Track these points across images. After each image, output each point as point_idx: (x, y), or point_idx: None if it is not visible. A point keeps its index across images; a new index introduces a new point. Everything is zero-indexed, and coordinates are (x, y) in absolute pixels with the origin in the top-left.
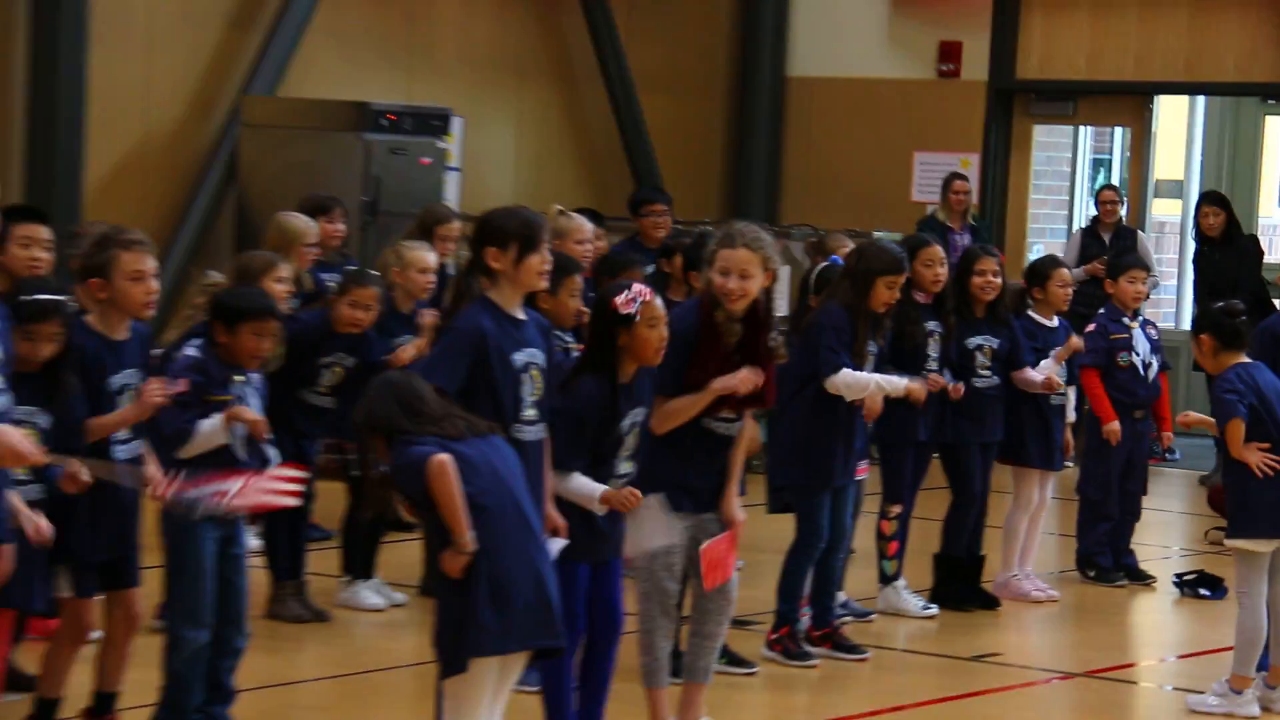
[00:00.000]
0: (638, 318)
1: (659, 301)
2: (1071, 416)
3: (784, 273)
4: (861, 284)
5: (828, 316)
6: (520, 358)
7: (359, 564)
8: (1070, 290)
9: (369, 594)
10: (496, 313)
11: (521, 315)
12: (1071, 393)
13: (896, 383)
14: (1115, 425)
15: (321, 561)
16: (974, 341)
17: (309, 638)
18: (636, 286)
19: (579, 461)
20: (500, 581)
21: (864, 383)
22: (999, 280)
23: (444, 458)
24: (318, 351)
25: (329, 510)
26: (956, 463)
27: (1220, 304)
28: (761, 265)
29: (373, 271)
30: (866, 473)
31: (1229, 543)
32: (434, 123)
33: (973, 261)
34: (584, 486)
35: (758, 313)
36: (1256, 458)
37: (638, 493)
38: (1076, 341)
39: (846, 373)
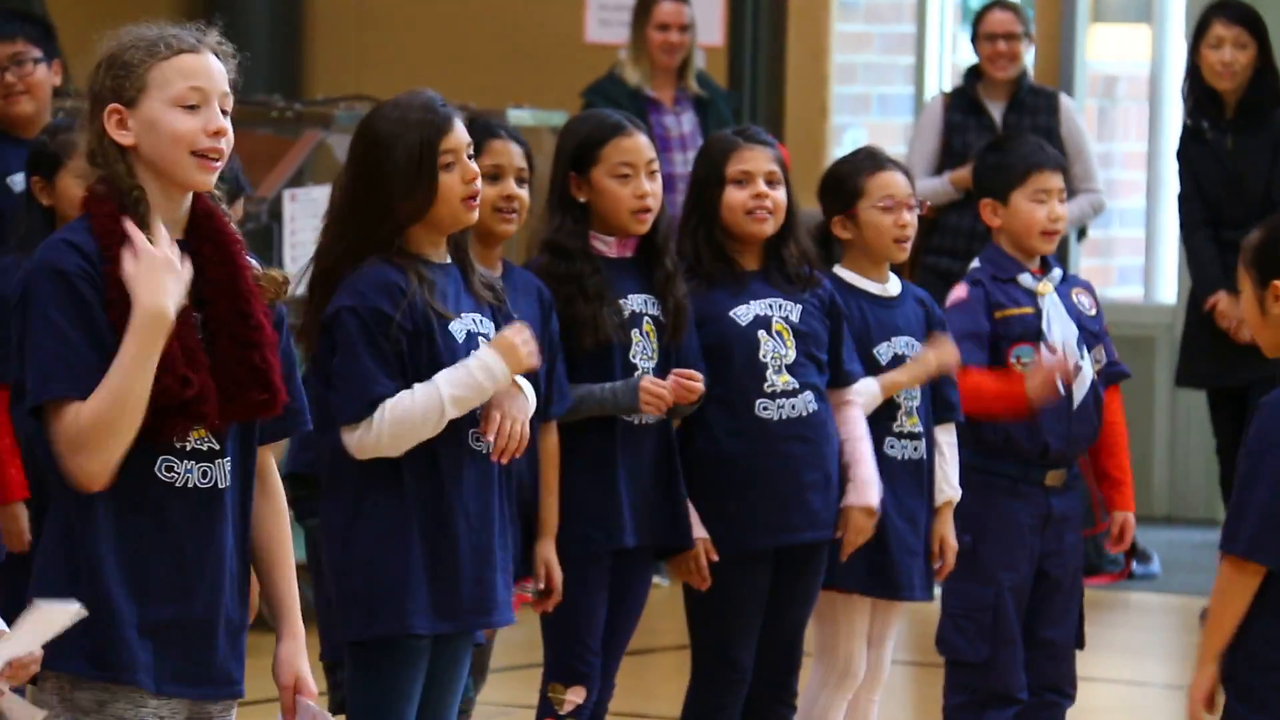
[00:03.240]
0: None
1: None
2: (950, 491)
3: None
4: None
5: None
6: None
7: None
8: (911, 219)
9: None
10: None
11: None
12: (945, 442)
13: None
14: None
15: None
16: (746, 312)
17: None
18: None
19: None
20: None
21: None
22: (782, 196)
23: None
24: None
25: None
26: (702, 594)
27: None
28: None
29: None
30: (527, 601)
31: None
32: None
33: (723, 160)
34: None
35: (214, 220)
36: None
37: None
38: (943, 352)
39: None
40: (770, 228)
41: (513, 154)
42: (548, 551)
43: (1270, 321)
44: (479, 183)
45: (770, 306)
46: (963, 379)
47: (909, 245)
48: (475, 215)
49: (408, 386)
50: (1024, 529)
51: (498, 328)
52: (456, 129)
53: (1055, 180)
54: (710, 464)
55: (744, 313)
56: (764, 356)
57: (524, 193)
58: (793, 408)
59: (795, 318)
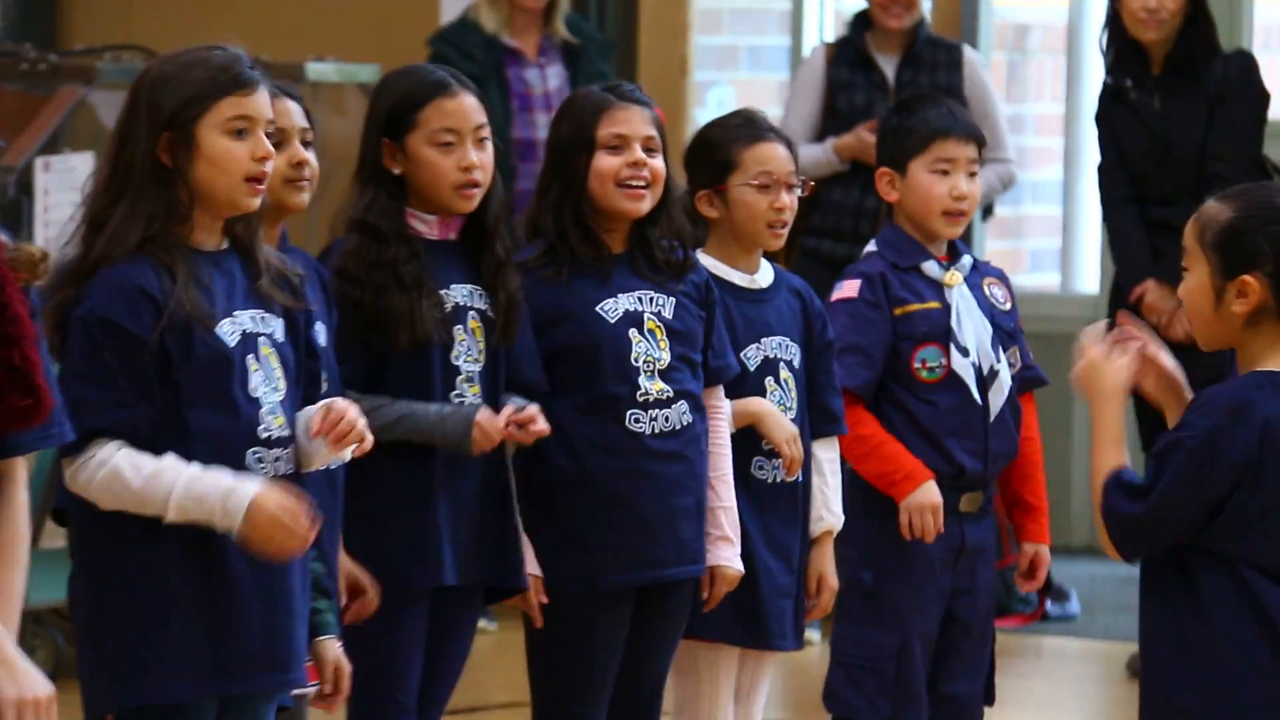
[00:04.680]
0: None
1: None
2: (830, 518)
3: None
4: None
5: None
6: None
7: None
8: (790, 200)
9: None
10: None
11: None
12: (826, 459)
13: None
14: (927, 497)
15: None
16: (614, 307)
17: None
18: None
19: None
20: None
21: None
22: (660, 166)
23: None
24: None
25: None
26: (548, 637)
27: None
28: None
29: None
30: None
31: None
32: None
33: (593, 121)
34: None
35: None
36: None
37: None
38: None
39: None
40: (647, 204)
41: (293, 113)
42: None
43: (1223, 317)
44: (270, 164)
45: (640, 300)
46: (854, 418)
47: (785, 231)
48: (256, 203)
49: (150, 405)
50: (934, 564)
51: (289, 327)
52: (259, 95)
53: (963, 150)
54: (571, 485)
55: (612, 307)
56: (636, 360)
57: (312, 157)
58: (666, 420)
59: (669, 313)
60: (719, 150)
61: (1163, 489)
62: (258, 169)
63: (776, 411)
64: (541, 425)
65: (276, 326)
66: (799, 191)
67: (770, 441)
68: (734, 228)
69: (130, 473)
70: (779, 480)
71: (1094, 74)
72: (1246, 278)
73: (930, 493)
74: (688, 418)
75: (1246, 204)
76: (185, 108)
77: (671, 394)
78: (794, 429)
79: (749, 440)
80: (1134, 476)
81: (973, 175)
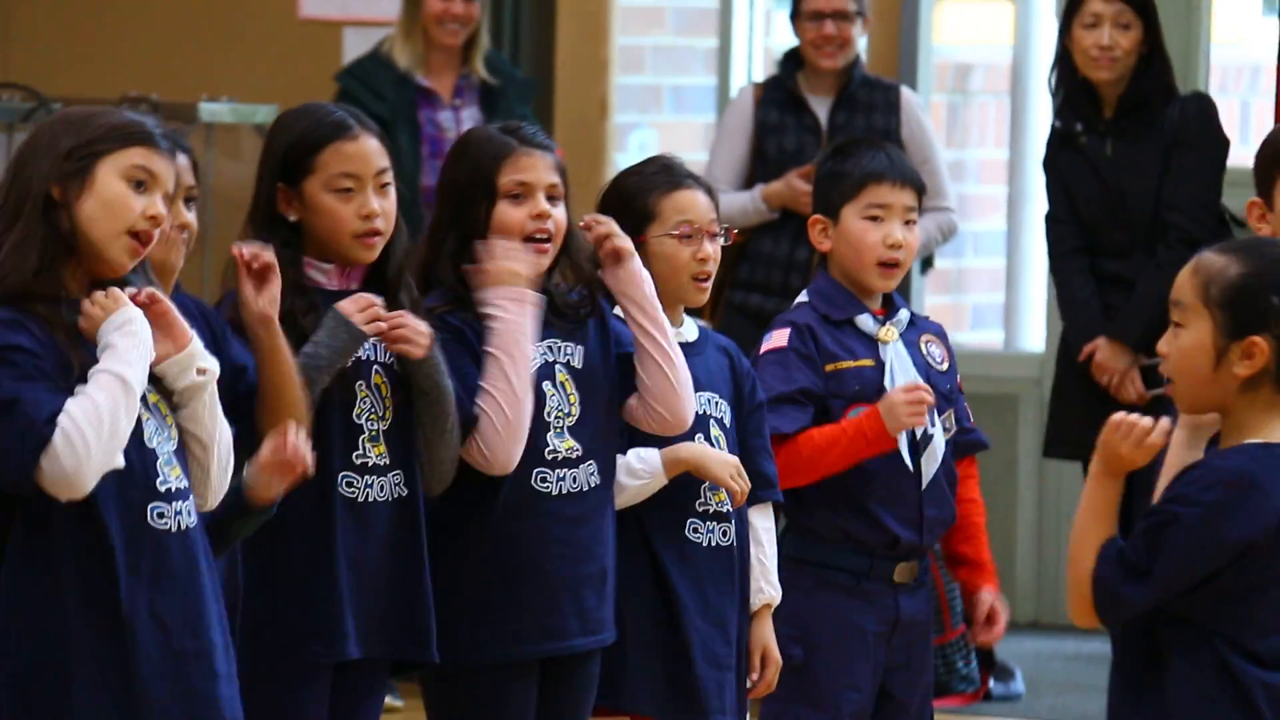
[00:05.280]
0: None
1: None
2: (770, 591)
3: None
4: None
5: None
6: None
7: None
8: (713, 250)
9: None
10: None
11: None
12: (762, 527)
13: None
14: (895, 397)
15: None
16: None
17: None
18: None
19: None
20: None
21: None
22: (562, 216)
23: None
24: None
25: None
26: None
27: None
28: None
29: None
30: None
31: None
32: None
33: (494, 167)
34: None
35: None
36: None
37: None
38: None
39: None
40: (549, 258)
41: (184, 170)
42: None
43: (1221, 379)
44: (158, 232)
45: (550, 350)
46: (788, 444)
47: (709, 284)
48: (130, 263)
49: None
50: (868, 638)
51: None
52: (169, 162)
53: (898, 196)
54: (476, 547)
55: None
56: (548, 414)
57: (193, 217)
58: (574, 480)
59: (577, 362)
60: (635, 200)
61: (1165, 574)
62: (145, 226)
63: (709, 449)
64: (423, 330)
65: None
66: (723, 240)
67: (714, 480)
68: (655, 282)
69: (82, 401)
70: (714, 544)
71: (1041, 117)
72: (1255, 339)
73: (890, 400)
74: (596, 479)
75: (1257, 260)
76: (91, 143)
77: (581, 452)
78: (734, 459)
79: (682, 501)
80: (1128, 551)
81: (910, 224)
